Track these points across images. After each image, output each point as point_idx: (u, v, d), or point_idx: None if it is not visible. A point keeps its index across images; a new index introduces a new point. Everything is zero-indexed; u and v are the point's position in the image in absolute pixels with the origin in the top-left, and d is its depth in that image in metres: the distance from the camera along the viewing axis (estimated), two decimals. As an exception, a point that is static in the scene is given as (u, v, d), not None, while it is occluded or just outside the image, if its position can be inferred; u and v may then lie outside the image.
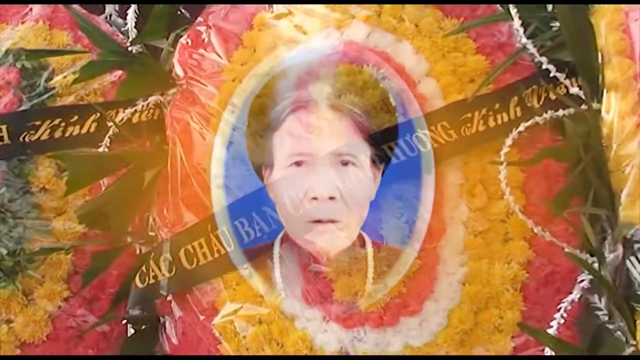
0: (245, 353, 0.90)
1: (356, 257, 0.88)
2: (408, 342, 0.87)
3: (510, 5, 0.94)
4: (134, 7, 1.06)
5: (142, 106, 1.02)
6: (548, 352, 0.85)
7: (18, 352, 0.96)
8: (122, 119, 1.01)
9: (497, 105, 0.91)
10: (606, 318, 0.86)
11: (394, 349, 0.87)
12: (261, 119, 0.91)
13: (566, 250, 0.87)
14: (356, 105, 0.89)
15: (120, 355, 0.98)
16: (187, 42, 0.99)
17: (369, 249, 0.88)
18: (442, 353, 0.87)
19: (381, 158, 0.89)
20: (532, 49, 0.92)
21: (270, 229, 0.90)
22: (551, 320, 0.86)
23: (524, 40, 0.93)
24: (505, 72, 0.92)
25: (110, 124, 1.00)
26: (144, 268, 0.95)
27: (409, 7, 0.95)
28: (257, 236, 0.90)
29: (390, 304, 0.88)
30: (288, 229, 0.89)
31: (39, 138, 0.99)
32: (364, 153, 0.88)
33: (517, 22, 0.93)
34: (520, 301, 0.88)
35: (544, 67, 0.92)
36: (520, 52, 0.93)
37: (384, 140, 0.89)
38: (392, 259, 0.87)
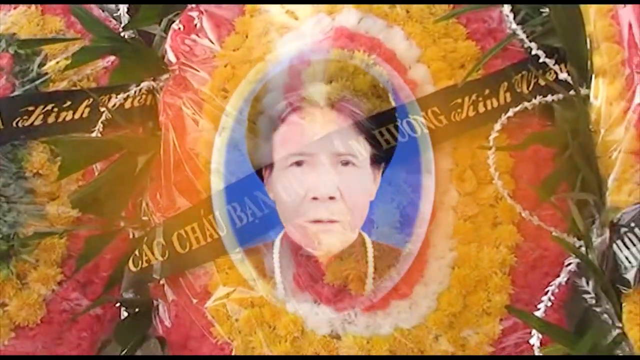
0: (237, 336, 0.91)
1: (348, 242, 0.89)
2: (398, 324, 0.88)
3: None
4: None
5: (135, 92, 1.02)
6: (535, 334, 0.86)
7: (12, 335, 0.97)
8: (115, 105, 1.01)
9: (486, 91, 0.91)
10: (593, 301, 0.87)
11: (384, 332, 0.88)
12: (254, 105, 0.91)
13: (554, 234, 0.88)
14: (350, 95, 0.89)
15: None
16: (180, 28, 0.99)
17: (369, 245, 0.88)
18: (431, 335, 0.88)
19: (381, 157, 0.88)
20: (522, 35, 0.92)
21: (262, 213, 0.90)
22: (539, 303, 0.87)
23: (514, 26, 0.93)
24: (495, 58, 0.92)
25: (103, 109, 1.00)
26: (137, 252, 0.95)
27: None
28: (250, 220, 0.90)
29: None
30: (288, 228, 0.89)
31: (32, 123, 0.99)
32: (363, 152, 0.88)
33: (507, 8, 0.93)
34: (509, 284, 0.88)
35: (533, 53, 0.92)
36: (510, 38, 0.93)
37: (377, 125, 0.88)
38: (388, 253, 0.88)
